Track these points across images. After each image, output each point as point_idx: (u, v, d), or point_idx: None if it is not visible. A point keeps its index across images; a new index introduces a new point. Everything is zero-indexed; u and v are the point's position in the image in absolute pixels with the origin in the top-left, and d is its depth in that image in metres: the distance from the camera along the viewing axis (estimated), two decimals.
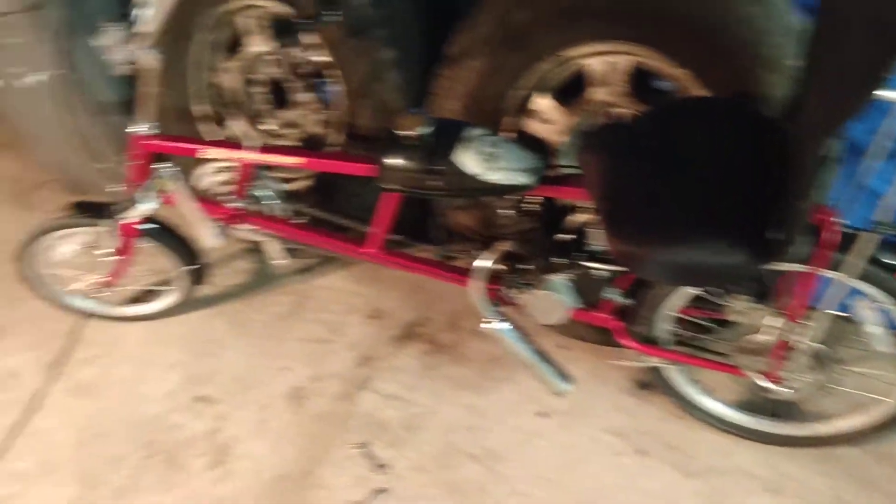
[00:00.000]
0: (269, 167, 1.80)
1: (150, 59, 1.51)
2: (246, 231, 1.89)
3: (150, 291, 2.21)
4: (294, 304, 2.21)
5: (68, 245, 1.97)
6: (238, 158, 1.67)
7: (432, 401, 1.91)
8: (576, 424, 1.82)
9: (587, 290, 1.56)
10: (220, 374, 2.05)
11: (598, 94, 1.70)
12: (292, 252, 2.12)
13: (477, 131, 1.43)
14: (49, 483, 1.87)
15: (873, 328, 1.41)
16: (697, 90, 1.57)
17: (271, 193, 1.82)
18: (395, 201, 1.59)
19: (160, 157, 1.76)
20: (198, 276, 2.07)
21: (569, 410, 1.85)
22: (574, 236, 1.55)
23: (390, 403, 1.92)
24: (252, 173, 1.76)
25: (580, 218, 1.76)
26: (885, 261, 1.31)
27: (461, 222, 1.90)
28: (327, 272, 2.29)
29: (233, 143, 1.69)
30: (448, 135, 1.43)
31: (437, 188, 1.43)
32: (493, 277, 1.64)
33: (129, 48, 1.41)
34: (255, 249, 2.37)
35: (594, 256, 1.52)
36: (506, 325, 1.63)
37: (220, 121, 2.23)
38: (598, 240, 1.51)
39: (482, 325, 1.62)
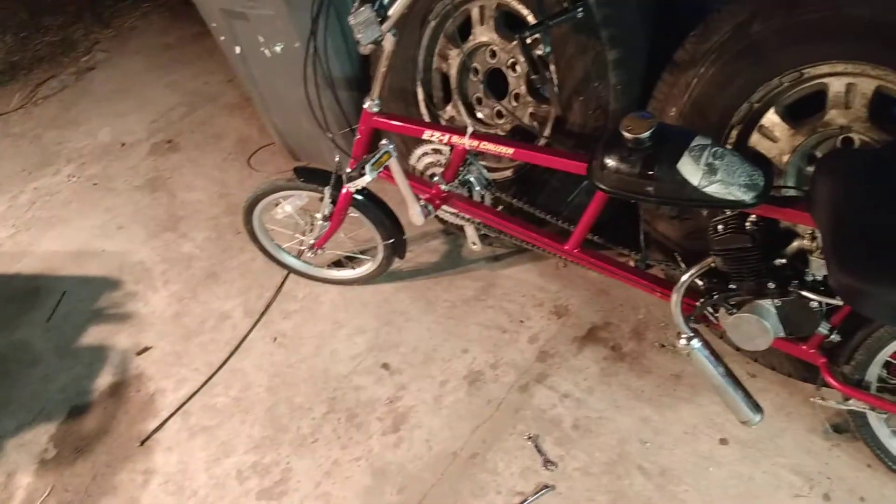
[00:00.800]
0: (478, 154, 1.84)
1: (390, 41, 1.59)
2: (449, 213, 1.95)
3: (351, 259, 2.34)
4: (480, 290, 2.26)
5: (287, 206, 2.12)
6: (453, 143, 1.71)
7: (607, 407, 1.89)
8: (758, 457, 1.74)
9: (796, 321, 1.48)
10: (404, 346, 2.14)
11: (834, 116, 1.60)
12: (487, 239, 2.16)
13: (701, 140, 1.39)
14: (241, 420, 2.04)
15: None
16: None
17: (478, 179, 1.86)
18: (602, 202, 1.58)
19: (381, 133, 1.85)
20: (397, 250, 2.16)
21: (752, 442, 1.77)
22: (790, 262, 1.47)
23: (564, 402, 1.92)
24: (463, 158, 1.80)
25: (799, 244, 1.67)
26: None
27: (664, 232, 1.85)
28: (516, 263, 2.31)
29: (451, 128, 1.74)
30: (670, 141, 1.40)
31: (651, 194, 1.41)
32: (693, 293, 1.60)
33: (375, 29, 1.48)
34: (449, 232, 2.44)
35: (811, 286, 1.43)
36: (699, 343, 1.57)
37: (438, 105, 2.31)
38: (817, 269, 1.42)
39: (678, 342, 1.58)
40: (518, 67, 2.06)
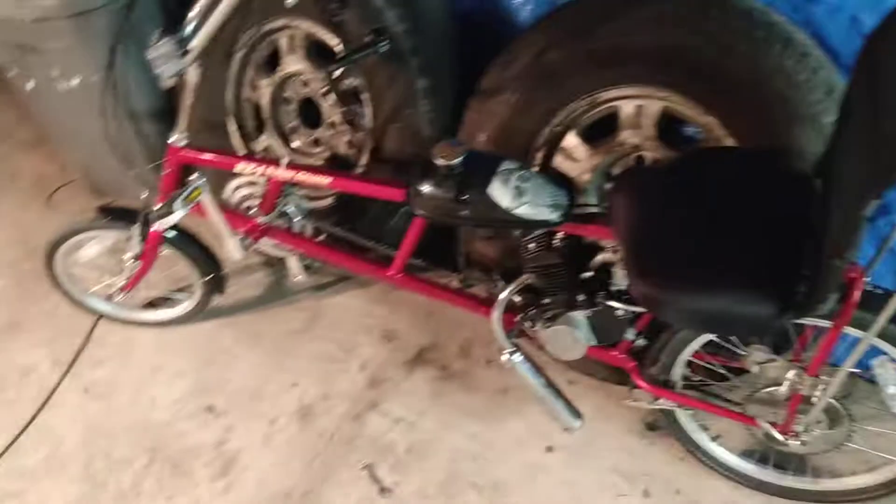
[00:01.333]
0: (296, 184, 1.82)
1: (194, 73, 1.54)
2: (269, 245, 1.91)
3: (166, 298, 2.23)
4: (307, 321, 2.22)
5: (93, 247, 1.99)
6: (268, 174, 1.68)
7: (439, 427, 1.92)
8: (582, 462, 1.83)
9: (605, 329, 1.57)
10: (229, 385, 2.06)
11: (627, 136, 1.73)
12: (310, 269, 2.13)
13: (509, 164, 1.45)
14: (54, 481, 1.88)
15: (890, 387, 1.41)
16: (725, 139, 1.60)
17: (297, 210, 1.84)
18: (422, 227, 1.61)
19: (191, 167, 1.78)
20: (216, 286, 2.08)
21: (575, 447, 1.86)
22: (596, 274, 1.56)
23: (397, 427, 1.92)
24: (280, 189, 1.78)
25: (603, 257, 1.78)
26: None
27: (483, 252, 1.91)
28: (342, 291, 2.30)
29: (264, 159, 1.72)
30: (480, 166, 1.45)
31: (466, 218, 1.45)
32: (512, 309, 1.66)
33: (176, 62, 1.43)
34: (270, 263, 2.38)
35: (616, 296, 1.53)
36: (520, 357, 1.63)
37: (251, 136, 2.26)
38: (621, 280, 1.52)
39: (502, 357, 1.63)
40: (331, 96, 2.06)
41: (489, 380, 2.02)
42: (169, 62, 1.43)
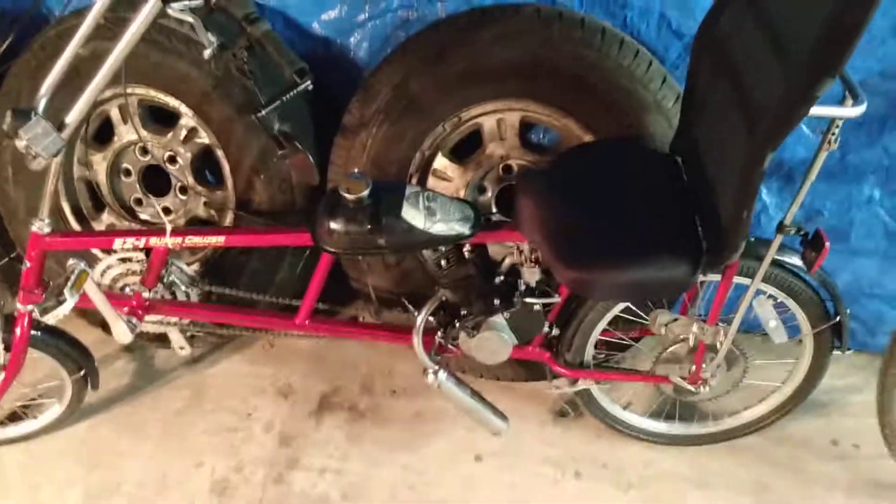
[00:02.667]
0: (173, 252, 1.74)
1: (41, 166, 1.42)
2: (151, 322, 1.81)
3: (27, 407, 2.01)
4: (191, 398, 2.10)
5: None
6: (152, 245, 1.60)
7: (367, 467, 1.90)
8: (511, 463, 1.90)
9: (524, 326, 1.66)
10: (126, 485, 1.89)
11: (493, 149, 1.85)
12: (193, 339, 2.03)
13: (411, 188, 1.50)
14: None
15: (771, 321, 1.63)
16: (584, 137, 1.76)
17: (183, 278, 1.76)
18: (329, 266, 1.61)
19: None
20: (90, 380, 1.91)
21: (501, 452, 1.92)
22: (506, 278, 1.65)
23: (325, 478, 1.88)
24: (164, 260, 1.69)
25: (510, 260, 1.86)
26: (781, 260, 1.54)
27: (375, 284, 1.93)
28: (220, 359, 2.20)
29: (145, 231, 1.63)
30: (387, 195, 1.48)
31: (383, 246, 1.48)
32: (429, 330, 1.70)
33: (55, 139, 1.32)
34: (129, 348, 2.23)
35: (528, 293, 1.62)
36: (444, 374, 1.68)
37: (90, 216, 2.11)
38: (530, 277, 1.62)
39: (427, 378, 1.66)
40: (179, 159, 1.98)
41: (399, 409, 2.04)
42: (45, 140, 1.32)
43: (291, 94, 1.36)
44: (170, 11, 1.23)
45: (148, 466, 1.93)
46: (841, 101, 1.24)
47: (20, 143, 1.35)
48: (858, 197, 1.90)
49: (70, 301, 1.50)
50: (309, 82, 1.36)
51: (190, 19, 1.24)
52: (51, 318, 1.51)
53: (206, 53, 1.30)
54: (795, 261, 1.55)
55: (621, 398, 1.90)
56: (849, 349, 1.69)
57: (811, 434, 1.93)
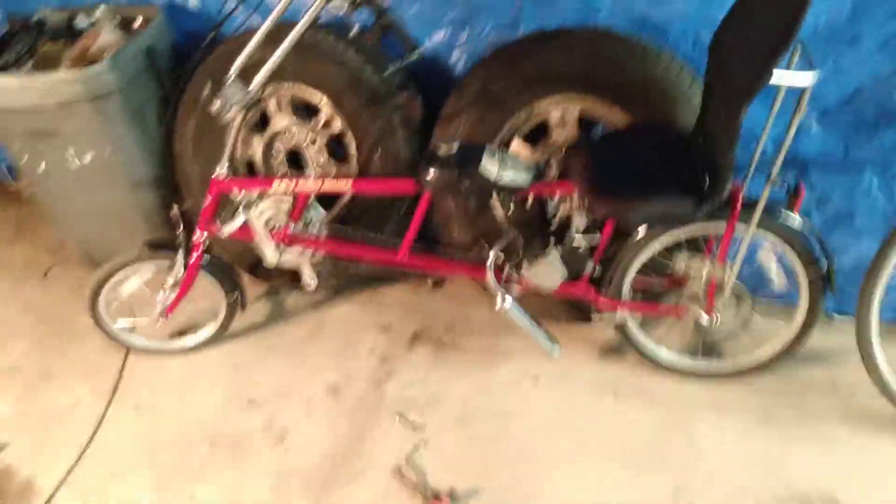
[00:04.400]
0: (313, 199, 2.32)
1: (238, 116, 2.02)
2: (290, 256, 2.37)
3: (190, 327, 2.61)
4: (312, 329, 2.67)
5: (134, 280, 2.38)
6: (300, 188, 2.18)
7: (447, 381, 2.40)
8: (562, 384, 2.36)
9: (573, 261, 2.14)
10: (261, 385, 2.45)
11: (558, 135, 2.37)
12: (320, 276, 2.58)
13: (491, 146, 2.04)
14: (131, 477, 2.19)
15: (773, 268, 2.06)
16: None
17: (317, 217, 2.33)
18: (426, 207, 2.15)
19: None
20: (240, 303, 2.50)
21: (555, 375, 2.39)
22: (560, 224, 2.15)
23: (413, 386, 2.39)
24: (305, 202, 2.27)
25: (562, 210, 2.34)
26: (776, 213, 1.98)
27: (458, 238, 2.46)
28: (336, 304, 2.77)
29: (294, 176, 2.21)
30: (470, 152, 2.02)
31: (467, 188, 2.00)
32: (499, 265, 2.21)
33: (243, 95, 1.92)
34: (269, 293, 2.82)
35: (578, 233, 2.11)
36: (511, 300, 2.17)
37: None
38: (579, 222, 2.11)
39: (497, 304, 2.16)
40: (317, 141, 2.59)
41: (474, 343, 2.54)
42: (239, 94, 1.92)
43: (408, 59, 1.91)
44: (331, 5, 1.84)
45: (278, 374, 2.49)
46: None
47: (216, 104, 1.97)
48: (860, 185, 2.32)
49: (241, 218, 2.10)
50: (420, 54, 1.91)
51: (344, 9, 1.84)
52: (226, 230, 2.10)
53: (353, 32, 1.89)
54: (787, 214, 1.99)
55: (654, 334, 2.34)
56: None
57: (815, 378, 2.31)
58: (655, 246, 2.12)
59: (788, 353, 2.23)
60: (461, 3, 2.44)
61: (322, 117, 2.54)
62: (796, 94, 1.71)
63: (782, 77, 1.63)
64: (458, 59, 2.56)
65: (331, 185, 2.19)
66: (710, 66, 1.97)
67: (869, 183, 2.31)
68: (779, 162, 1.82)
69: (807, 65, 1.68)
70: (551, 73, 2.26)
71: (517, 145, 2.40)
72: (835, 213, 2.38)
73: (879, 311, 2.04)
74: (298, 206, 2.26)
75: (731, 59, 1.79)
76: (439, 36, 2.54)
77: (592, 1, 2.29)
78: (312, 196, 2.29)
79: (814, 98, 2.17)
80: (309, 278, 2.47)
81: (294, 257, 2.36)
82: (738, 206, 1.93)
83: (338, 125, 2.53)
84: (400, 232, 2.26)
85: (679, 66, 2.21)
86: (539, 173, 2.05)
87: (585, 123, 2.37)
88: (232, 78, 1.96)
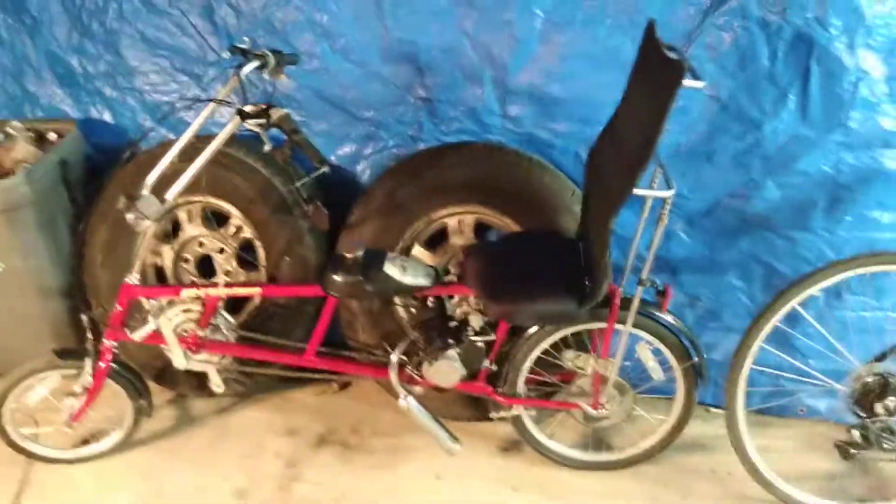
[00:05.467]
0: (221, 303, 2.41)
1: (151, 224, 2.12)
2: (197, 361, 2.43)
3: (99, 432, 2.60)
4: (218, 434, 2.69)
5: (41, 388, 2.38)
6: (210, 294, 2.28)
7: (353, 481, 2.46)
8: (464, 479, 2.46)
9: (471, 359, 2.29)
10: (170, 493, 2.45)
11: (455, 241, 2.56)
12: (226, 381, 2.63)
13: (392, 254, 2.20)
14: None
15: (650, 363, 2.26)
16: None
17: (226, 323, 2.42)
18: (333, 310, 2.27)
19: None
20: (146, 409, 2.52)
21: (457, 472, 2.48)
22: (459, 323, 2.31)
23: (321, 488, 2.44)
24: (214, 308, 2.35)
25: (462, 310, 2.49)
26: (648, 311, 2.19)
27: (364, 340, 2.59)
28: (241, 408, 2.81)
29: (204, 283, 2.31)
30: (374, 257, 2.18)
31: (371, 291, 2.15)
32: (401, 365, 2.33)
33: (157, 207, 2.04)
34: (171, 400, 2.84)
35: (475, 333, 2.27)
36: (412, 399, 2.29)
37: None
38: (475, 322, 2.27)
39: (399, 402, 2.27)
40: (227, 249, 2.70)
41: (380, 444, 2.62)
42: (152, 208, 2.03)
43: (316, 173, 2.07)
44: (246, 124, 2.00)
45: (184, 480, 2.50)
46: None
47: (130, 216, 2.07)
48: (725, 285, 2.58)
49: (151, 325, 2.17)
50: (327, 168, 2.07)
51: (258, 130, 2.01)
52: (137, 336, 2.17)
53: (266, 149, 2.05)
54: (658, 313, 2.20)
55: (547, 429, 2.49)
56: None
57: (696, 465, 2.50)
58: (545, 343, 2.29)
59: (670, 442, 2.41)
60: (365, 121, 2.66)
61: (232, 227, 2.66)
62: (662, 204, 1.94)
63: (646, 191, 1.86)
64: (364, 171, 2.76)
65: (240, 291, 2.29)
66: (587, 179, 2.21)
67: (733, 283, 2.57)
68: (648, 265, 2.03)
69: (666, 181, 1.92)
70: (449, 183, 2.47)
71: (418, 250, 2.58)
72: (705, 312, 2.63)
73: (745, 401, 2.26)
74: (207, 312, 2.34)
75: (603, 174, 2.03)
76: (346, 150, 2.74)
77: (485, 119, 2.54)
78: (221, 302, 2.38)
79: (679, 208, 2.46)
80: (216, 383, 2.53)
81: (202, 362, 2.43)
82: (616, 305, 2.13)
83: (247, 233, 2.65)
84: (307, 336, 2.37)
85: (562, 178, 2.46)
86: (438, 277, 2.21)
87: (482, 228, 2.58)
88: (146, 190, 2.07)
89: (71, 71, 2.82)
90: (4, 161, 2.64)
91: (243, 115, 2.03)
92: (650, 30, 1.90)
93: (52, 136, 2.84)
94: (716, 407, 2.66)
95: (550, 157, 2.56)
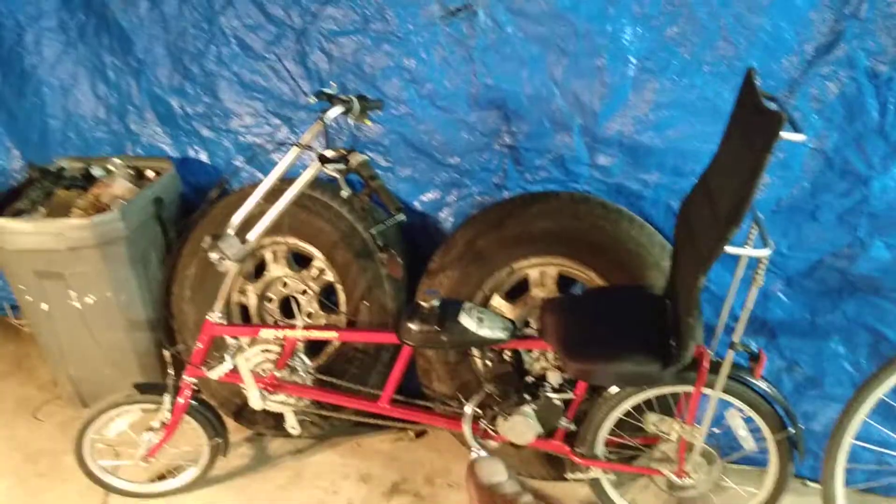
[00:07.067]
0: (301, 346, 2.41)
1: (236, 265, 2.14)
2: (275, 402, 2.43)
3: (175, 468, 2.63)
4: (292, 476, 2.68)
5: (120, 422, 2.43)
6: (289, 335, 2.28)
7: None
8: None
9: (547, 416, 2.20)
10: None
11: (536, 293, 2.48)
12: (303, 423, 2.62)
13: (469, 304, 2.15)
14: None
15: (741, 430, 2.11)
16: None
17: (303, 365, 2.41)
18: (408, 359, 2.23)
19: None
20: (223, 448, 2.53)
21: None
22: (536, 379, 2.22)
23: None
24: (293, 349, 2.35)
25: (541, 366, 2.41)
26: (739, 376, 2.06)
27: (439, 390, 2.53)
28: (316, 451, 2.79)
29: (283, 324, 2.31)
30: (450, 306, 2.13)
31: (445, 342, 2.10)
32: (475, 419, 2.26)
33: (240, 248, 2.06)
34: (251, 439, 2.85)
35: (551, 390, 2.18)
36: (485, 453, 2.21)
37: None
38: (554, 379, 2.18)
39: (471, 454, 2.20)
40: (309, 291, 2.71)
41: (453, 498, 2.54)
42: (235, 249, 2.06)
43: (393, 220, 2.05)
44: (325, 169, 2.00)
45: None
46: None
47: (214, 255, 2.10)
48: (827, 351, 2.40)
49: (229, 363, 2.18)
50: (403, 216, 2.05)
51: (337, 175, 2.01)
52: (214, 374, 2.18)
53: (343, 194, 2.05)
54: (751, 379, 2.06)
55: (627, 494, 2.35)
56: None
57: None
58: (626, 405, 2.18)
59: None
60: (450, 167, 2.63)
61: (315, 269, 2.67)
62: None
63: (739, 250, 1.75)
64: (447, 218, 2.73)
65: (317, 334, 2.28)
66: (678, 233, 2.11)
67: (835, 349, 2.39)
68: (740, 328, 1.91)
69: (762, 239, 1.79)
70: (532, 234, 2.41)
71: (498, 301, 2.51)
72: (804, 379, 2.46)
73: (844, 478, 2.08)
74: (285, 354, 2.35)
75: (695, 229, 1.92)
76: (430, 196, 2.72)
77: (573, 168, 2.48)
78: (300, 344, 2.38)
79: (779, 267, 2.32)
80: (291, 424, 2.52)
81: (278, 403, 2.43)
82: (704, 368, 2.00)
83: (329, 277, 2.66)
84: (383, 382, 2.34)
85: (650, 231, 2.36)
86: (515, 330, 2.14)
87: (564, 281, 2.49)
88: (231, 230, 2.10)
89: (171, 111, 2.93)
90: (103, 196, 2.74)
91: (323, 160, 2.04)
92: (749, 78, 1.81)
93: (149, 173, 2.95)
94: (813, 481, 2.46)
95: (640, 209, 2.47)
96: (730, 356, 1.95)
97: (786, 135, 1.54)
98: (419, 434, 2.87)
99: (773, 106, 1.61)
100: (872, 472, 2.38)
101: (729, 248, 1.68)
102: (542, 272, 2.46)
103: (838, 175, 2.18)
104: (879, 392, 2.01)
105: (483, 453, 2.21)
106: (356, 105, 2.13)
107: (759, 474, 2.22)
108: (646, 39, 2.27)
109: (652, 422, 2.15)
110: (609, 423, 2.22)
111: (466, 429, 2.25)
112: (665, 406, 2.22)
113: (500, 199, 2.59)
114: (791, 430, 2.09)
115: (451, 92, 2.52)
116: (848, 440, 2.04)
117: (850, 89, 2.10)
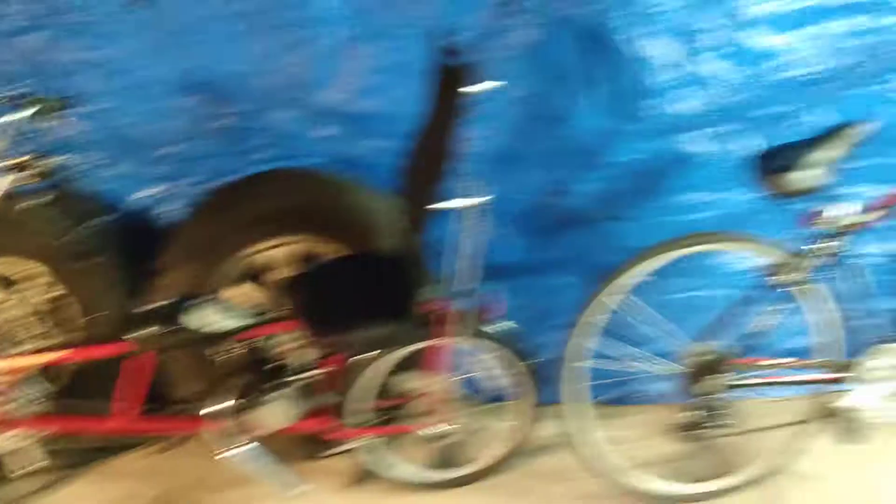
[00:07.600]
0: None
1: None
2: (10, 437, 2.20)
3: None
4: None
5: None
6: (8, 367, 2.07)
7: None
8: None
9: (302, 399, 2.17)
10: None
11: (280, 273, 2.44)
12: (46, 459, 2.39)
13: (206, 297, 2.07)
14: None
15: (485, 371, 2.23)
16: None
17: (37, 395, 2.20)
18: (152, 367, 2.11)
19: None
20: None
21: None
22: (280, 363, 2.19)
23: None
24: (18, 381, 2.14)
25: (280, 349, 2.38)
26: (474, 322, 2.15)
27: (185, 393, 2.42)
28: (65, 484, 2.55)
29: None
30: (184, 303, 2.04)
31: (188, 339, 2.01)
32: (233, 413, 2.19)
33: None
34: None
35: (297, 371, 2.17)
36: (250, 447, 2.16)
37: None
38: (304, 356, 2.16)
39: (229, 453, 2.13)
40: (39, 310, 2.48)
41: (228, 496, 2.46)
42: None
43: (90, 223, 1.89)
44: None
45: None
46: None
47: None
48: (557, 283, 2.60)
49: None
50: (111, 215, 1.91)
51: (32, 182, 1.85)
52: None
53: (42, 201, 1.88)
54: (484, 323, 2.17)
55: (394, 455, 2.41)
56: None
57: (551, 466, 2.50)
58: (381, 368, 2.22)
59: (518, 448, 2.39)
60: (169, 158, 2.51)
61: (41, 285, 2.45)
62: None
63: (451, 203, 1.82)
64: (173, 211, 2.60)
65: (44, 358, 2.10)
66: (401, 193, 2.16)
67: (565, 280, 2.59)
68: (466, 275, 1.99)
69: (474, 189, 1.87)
70: (262, 215, 2.35)
71: (241, 289, 2.45)
72: (537, 313, 2.63)
73: (585, 395, 2.26)
74: (11, 387, 2.13)
75: (413, 187, 1.99)
76: (151, 190, 2.58)
77: (296, 143, 2.46)
78: (27, 373, 2.17)
79: (499, 213, 2.45)
80: (34, 461, 2.31)
81: (13, 441, 2.20)
82: (439, 320, 2.07)
83: (60, 290, 2.44)
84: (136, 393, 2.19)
85: (379, 196, 2.39)
86: (257, 315, 2.10)
87: (308, 258, 2.47)
88: None
89: None
90: None
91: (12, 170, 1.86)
92: (441, 37, 1.89)
93: None
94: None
95: (367, 175, 2.49)
96: (459, 304, 2.04)
97: (477, 87, 1.62)
98: (172, 445, 2.69)
99: (462, 59, 1.69)
100: (609, 385, 2.61)
101: (444, 203, 1.76)
102: (284, 253, 2.42)
103: (536, 119, 2.34)
104: (599, 312, 2.19)
105: (243, 447, 2.16)
106: (38, 106, 1.96)
107: (512, 409, 2.35)
108: (350, 5, 2.29)
109: (401, 380, 2.21)
110: (364, 391, 2.24)
111: (209, 427, 2.17)
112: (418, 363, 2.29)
113: (222, 183, 2.50)
114: (530, 361, 2.24)
115: (154, 80, 2.39)
116: (580, 358, 2.21)
117: (536, 35, 2.25)
